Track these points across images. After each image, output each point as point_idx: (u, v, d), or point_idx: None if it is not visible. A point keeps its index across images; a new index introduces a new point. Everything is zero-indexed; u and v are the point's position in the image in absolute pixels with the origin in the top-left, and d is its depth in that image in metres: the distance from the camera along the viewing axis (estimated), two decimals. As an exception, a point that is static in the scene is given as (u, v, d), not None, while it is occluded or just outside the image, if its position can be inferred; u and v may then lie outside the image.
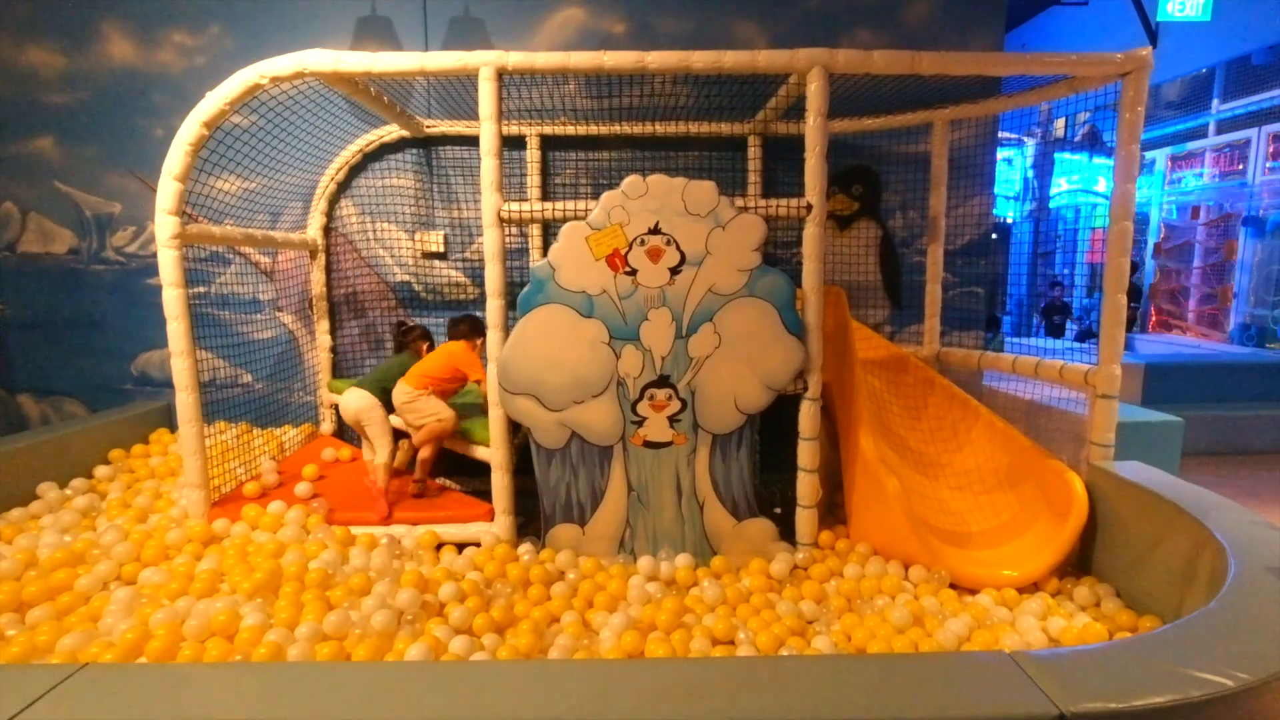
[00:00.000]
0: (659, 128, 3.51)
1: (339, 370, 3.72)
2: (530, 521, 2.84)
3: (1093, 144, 10.71)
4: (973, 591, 2.46)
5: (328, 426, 3.67)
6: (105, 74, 3.55)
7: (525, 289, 2.50)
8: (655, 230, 2.44)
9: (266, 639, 1.90)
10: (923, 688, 1.27)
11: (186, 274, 2.52)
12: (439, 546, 2.65)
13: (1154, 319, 9.90)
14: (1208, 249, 9.10)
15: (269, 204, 3.44)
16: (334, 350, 3.68)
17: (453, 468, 3.36)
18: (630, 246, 2.45)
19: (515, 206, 2.50)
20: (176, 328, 2.50)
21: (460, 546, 2.66)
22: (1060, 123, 10.86)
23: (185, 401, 2.56)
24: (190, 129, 2.39)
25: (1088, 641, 2.08)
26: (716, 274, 2.46)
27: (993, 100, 3.17)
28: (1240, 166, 8.72)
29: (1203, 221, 9.15)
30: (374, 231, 3.67)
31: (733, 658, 1.90)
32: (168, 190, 2.41)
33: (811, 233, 2.48)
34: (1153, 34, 7.68)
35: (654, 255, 2.45)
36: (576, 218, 2.49)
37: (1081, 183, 10.91)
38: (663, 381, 2.53)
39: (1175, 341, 9.09)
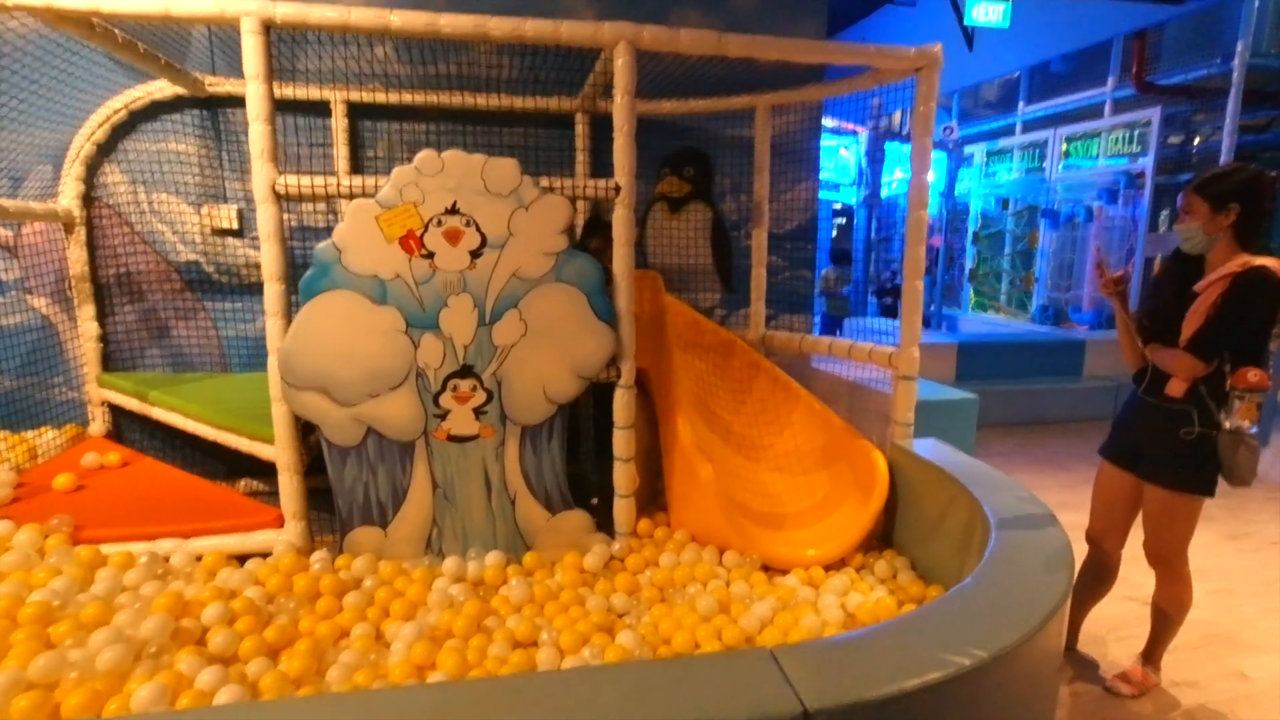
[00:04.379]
0: (483, 100, 3.29)
1: (112, 362, 3.24)
2: (328, 525, 2.59)
3: (923, 137, 11.54)
4: (784, 572, 2.51)
5: (98, 426, 3.18)
6: None
7: (307, 273, 2.24)
8: (453, 210, 2.26)
9: (-53, 695, 1.56)
10: (678, 692, 1.22)
11: None
12: (200, 559, 2.34)
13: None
14: (1015, 237, 10.10)
15: (6, 167, 2.90)
16: (104, 339, 3.20)
17: (239, 469, 3.03)
18: (426, 227, 2.26)
19: (294, 180, 2.23)
20: None
21: (243, 559, 2.38)
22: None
23: None
24: None
25: (880, 617, 2.17)
26: (521, 258, 2.32)
27: (810, 88, 3.22)
28: (1042, 165, 9.70)
29: (1011, 212, 10.13)
30: (150, 203, 3.20)
31: (475, 680, 1.75)
32: None
33: (621, 215, 2.40)
34: (969, 36, 8.30)
35: (452, 237, 2.27)
36: (367, 194, 2.26)
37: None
38: (466, 371, 2.37)
39: (989, 321, 10.05)
